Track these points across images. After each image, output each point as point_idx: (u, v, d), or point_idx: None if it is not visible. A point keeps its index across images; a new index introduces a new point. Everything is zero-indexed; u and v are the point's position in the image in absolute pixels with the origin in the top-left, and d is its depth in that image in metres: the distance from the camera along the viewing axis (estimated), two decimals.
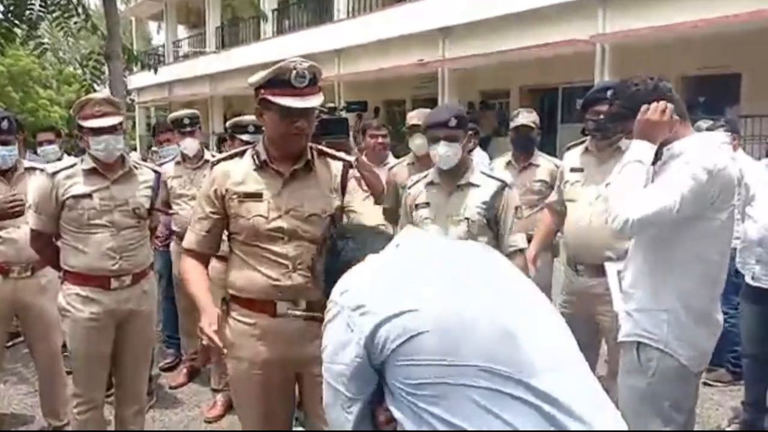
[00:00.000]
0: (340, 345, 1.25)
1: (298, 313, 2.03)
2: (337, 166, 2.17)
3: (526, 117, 3.71)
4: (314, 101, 1.99)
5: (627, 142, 2.18)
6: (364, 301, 1.23)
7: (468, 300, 1.23)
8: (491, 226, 2.57)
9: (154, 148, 5.42)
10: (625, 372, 2.13)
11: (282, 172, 2.06)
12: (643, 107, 2.00)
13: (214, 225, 2.10)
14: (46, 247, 2.78)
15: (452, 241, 1.74)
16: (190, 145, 3.85)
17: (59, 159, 4.09)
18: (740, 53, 9.99)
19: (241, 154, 2.13)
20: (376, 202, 2.98)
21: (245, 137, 3.58)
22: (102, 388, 2.81)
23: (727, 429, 3.37)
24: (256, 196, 2.05)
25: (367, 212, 2.25)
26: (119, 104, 2.77)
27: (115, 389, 2.97)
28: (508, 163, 3.77)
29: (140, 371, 2.94)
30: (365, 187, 2.28)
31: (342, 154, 2.23)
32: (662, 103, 1.98)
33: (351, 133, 2.83)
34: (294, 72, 1.93)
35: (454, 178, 2.62)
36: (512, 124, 3.74)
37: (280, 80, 1.94)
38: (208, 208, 2.09)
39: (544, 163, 3.66)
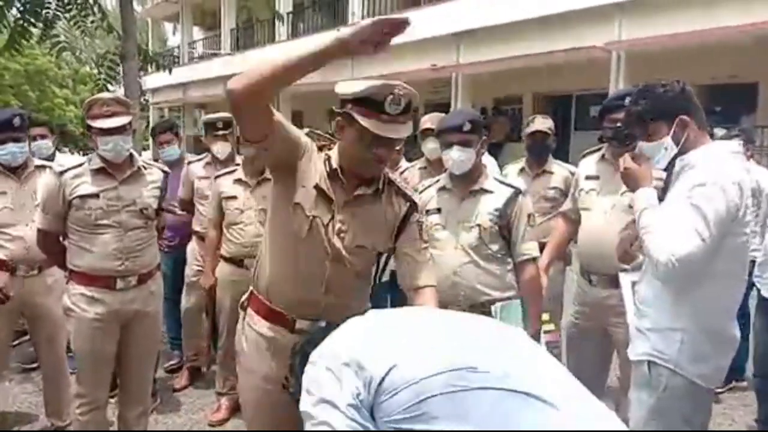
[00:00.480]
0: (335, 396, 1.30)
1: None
2: (402, 205, 2.01)
3: (542, 123, 3.66)
4: (403, 132, 1.83)
5: (639, 146, 2.13)
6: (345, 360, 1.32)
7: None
8: (503, 234, 2.53)
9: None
10: (636, 387, 2.09)
11: (348, 189, 1.92)
12: (620, 160, 2.07)
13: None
14: (53, 246, 2.76)
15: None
16: (222, 148, 3.86)
17: (52, 155, 4.07)
18: (757, 63, 9.88)
19: (320, 149, 1.97)
20: None
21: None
22: (106, 389, 2.79)
23: None
24: (326, 200, 1.90)
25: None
26: (128, 104, 2.75)
27: (119, 390, 2.95)
28: (522, 170, 3.72)
29: (145, 372, 2.92)
30: (427, 236, 2.14)
31: (410, 191, 2.07)
32: (626, 155, 2.10)
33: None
34: (391, 97, 1.77)
35: (467, 183, 2.58)
36: (527, 130, 3.68)
37: (373, 100, 1.78)
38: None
39: (558, 170, 3.61)
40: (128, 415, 2.89)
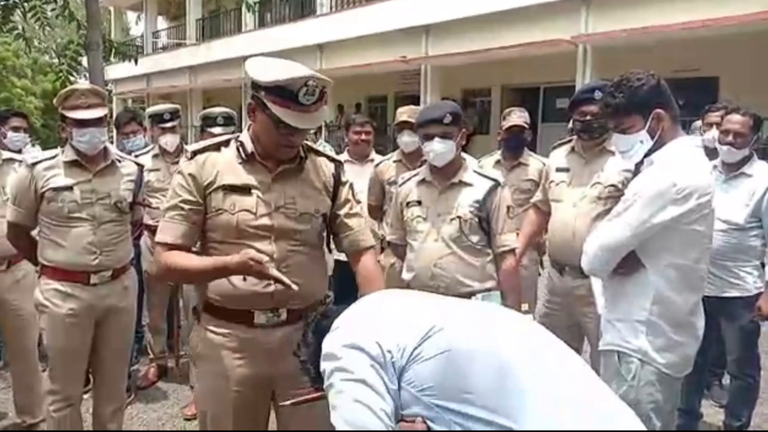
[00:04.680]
0: (364, 379, 1.30)
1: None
2: (329, 166, 2.04)
3: (519, 117, 3.68)
4: (315, 121, 1.85)
5: (614, 139, 2.17)
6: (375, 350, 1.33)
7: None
8: (483, 226, 2.55)
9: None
10: (607, 378, 2.12)
11: (270, 167, 1.91)
12: None
13: (196, 217, 1.89)
14: (24, 240, 2.71)
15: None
16: (170, 140, 3.78)
17: (22, 148, 3.97)
18: (719, 57, 10.15)
19: (225, 143, 1.95)
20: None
21: (217, 130, 3.51)
22: (79, 385, 2.75)
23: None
24: (244, 189, 1.87)
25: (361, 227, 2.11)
26: (105, 95, 2.70)
27: (94, 387, 2.90)
28: (498, 162, 3.75)
29: (119, 368, 2.88)
30: (358, 197, 2.17)
31: (332, 153, 2.11)
32: None
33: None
34: (305, 89, 1.75)
35: (447, 176, 2.60)
36: (505, 124, 3.70)
37: (286, 89, 1.75)
38: (188, 197, 1.87)
39: (533, 163, 3.66)
40: (103, 411, 2.84)
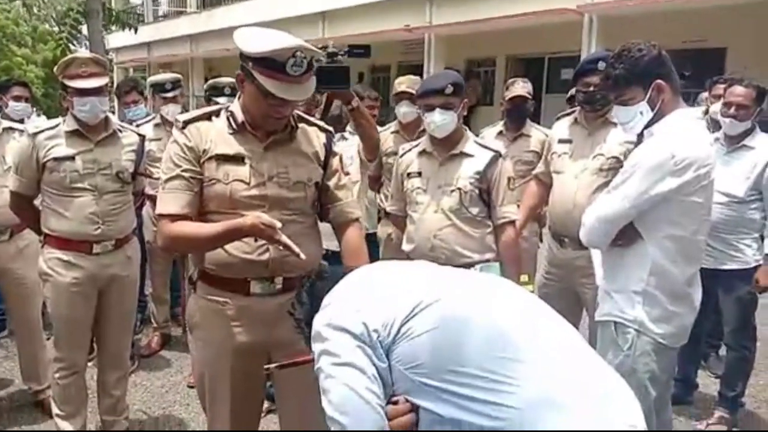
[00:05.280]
0: (352, 357, 1.30)
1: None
2: (320, 136, 2.04)
3: (522, 87, 3.65)
4: (304, 92, 1.84)
5: (614, 110, 2.16)
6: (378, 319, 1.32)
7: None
8: (483, 197, 2.55)
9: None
10: (602, 347, 2.15)
11: (261, 137, 1.91)
12: None
13: (198, 187, 1.88)
14: (27, 209, 2.73)
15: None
16: (172, 110, 3.76)
17: (25, 117, 3.97)
18: (725, 27, 9.99)
19: (216, 113, 1.94)
20: (369, 156, 2.94)
21: (222, 100, 3.49)
22: (84, 353, 2.79)
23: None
24: (237, 159, 1.87)
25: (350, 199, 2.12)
26: (106, 64, 2.69)
27: (98, 355, 2.95)
28: (500, 133, 3.73)
29: (123, 337, 2.92)
30: (347, 170, 2.17)
31: (322, 123, 2.10)
32: None
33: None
34: (293, 59, 1.73)
35: (448, 147, 2.58)
36: (508, 94, 3.67)
37: (274, 61, 1.74)
38: (189, 167, 1.87)
39: (535, 134, 3.63)
40: (107, 378, 2.89)
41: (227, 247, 1.85)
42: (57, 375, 2.74)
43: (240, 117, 1.90)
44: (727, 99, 3.04)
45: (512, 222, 2.60)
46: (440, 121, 2.50)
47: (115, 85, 5.23)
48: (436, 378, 1.25)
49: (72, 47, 6.17)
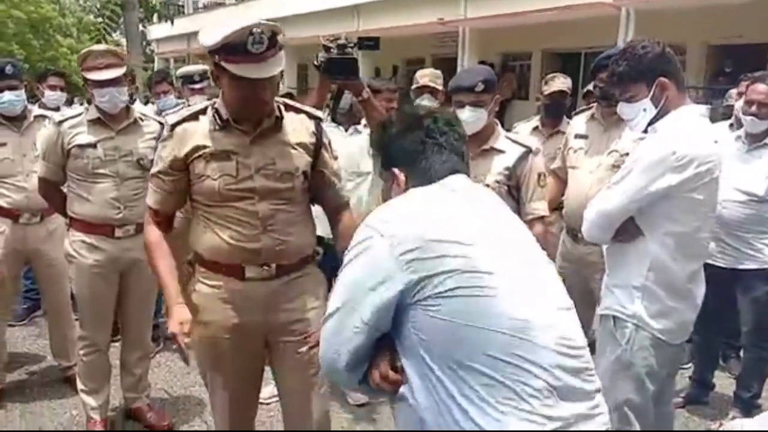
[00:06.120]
0: (375, 273, 1.26)
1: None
2: (309, 123, 2.04)
3: (562, 83, 3.61)
4: (273, 68, 1.82)
5: (620, 107, 2.14)
6: (415, 244, 1.23)
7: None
8: (512, 194, 2.46)
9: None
10: (602, 340, 2.17)
11: (247, 130, 1.94)
12: None
13: (171, 187, 1.98)
14: (54, 194, 2.85)
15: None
16: (199, 101, 3.84)
17: (58, 107, 4.12)
18: (764, 22, 9.68)
19: (203, 111, 1.98)
20: None
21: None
22: (107, 333, 2.91)
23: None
24: (224, 154, 1.91)
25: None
26: (123, 55, 2.79)
27: (121, 335, 3.07)
28: (535, 129, 3.67)
29: (144, 318, 3.04)
30: (335, 154, 2.16)
31: (311, 109, 2.10)
32: None
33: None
34: (251, 38, 1.74)
35: (478, 143, 2.48)
36: (546, 90, 3.62)
37: (235, 44, 1.75)
38: (165, 169, 1.96)
39: None
40: (129, 358, 3.02)
41: (220, 234, 1.93)
42: (81, 352, 2.88)
43: (224, 113, 1.93)
44: (749, 97, 2.99)
45: (541, 218, 2.50)
46: (470, 118, 2.42)
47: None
48: (437, 362, 1.23)
49: (109, 38, 6.34)
